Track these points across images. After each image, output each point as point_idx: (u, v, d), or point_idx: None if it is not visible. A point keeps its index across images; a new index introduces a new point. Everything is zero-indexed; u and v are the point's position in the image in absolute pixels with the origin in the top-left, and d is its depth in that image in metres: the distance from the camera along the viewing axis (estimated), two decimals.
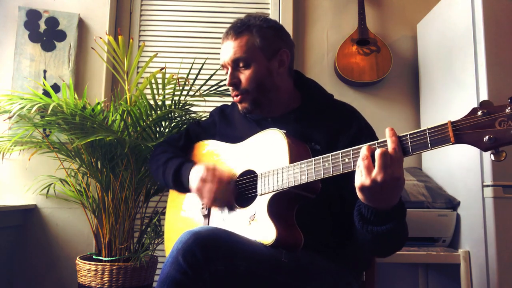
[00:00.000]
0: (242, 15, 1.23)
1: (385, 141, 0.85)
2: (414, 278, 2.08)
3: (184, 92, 1.81)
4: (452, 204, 1.78)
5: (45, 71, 2.07)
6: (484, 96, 1.61)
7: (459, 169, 1.77)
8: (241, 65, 1.17)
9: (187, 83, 1.79)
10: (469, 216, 1.70)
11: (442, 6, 2.00)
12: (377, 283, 1.27)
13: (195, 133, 1.42)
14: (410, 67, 2.30)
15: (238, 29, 1.16)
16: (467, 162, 1.69)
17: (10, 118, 1.58)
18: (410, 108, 2.27)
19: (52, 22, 2.10)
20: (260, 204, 1.05)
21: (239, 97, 1.20)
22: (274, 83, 1.19)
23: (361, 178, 0.85)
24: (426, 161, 2.14)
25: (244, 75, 1.17)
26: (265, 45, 1.16)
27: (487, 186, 1.58)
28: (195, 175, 1.16)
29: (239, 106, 1.23)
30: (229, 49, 1.17)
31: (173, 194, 1.40)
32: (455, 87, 1.83)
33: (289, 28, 2.25)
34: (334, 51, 2.26)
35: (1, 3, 2.13)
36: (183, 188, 1.25)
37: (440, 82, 1.99)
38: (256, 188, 1.09)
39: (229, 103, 1.43)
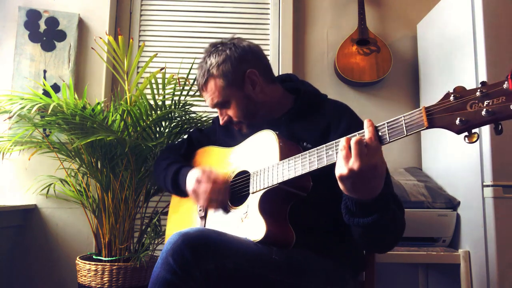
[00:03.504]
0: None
1: (363, 132, 0.88)
2: (414, 278, 2.08)
3: (184, 92, 1.81)
4: (452, 204, 1.77)
5: (45, 71, 2.07)
6: None
7: (459, 169, 1.77)
8: (222, 106, 1.24)
9: (187, 83, 1.79)
10: (469, 216, 1.70)
11: (442, 6, 2.00)
12: (377, 283, 1.27)
13: (197, 140, 1.46)
14: (410, 67, 2.30)
15: (202, 79, 1.23)
16: (467, 162, 1.69)
17: (10, 118, 1.58)
18: (410, 108, 2.26)
19: (52, 22, 2.10)
20: (252, 201, 1.08)
21: (236, 125, 1.27)
22: (257, 102, 1.22)
23: (339, 168, 0.87)
24: (426, 161, 2.14)
25: (230, 111, 1.23)
26: (230, 80, 1.19)
27: (487, 186, 1.57)
28: (191, 178, 1.20)
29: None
30: (207, 98, 1.25)
31: (175, 198, 1.43)
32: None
33: (289, 28, 2.25)
34: (334, 51, 2.26)
35: (1, 3, 2.13)
36: (182, 192, 1.29)
37: (440, 82, 1.99)
38: (249, 187, 1.12)
39: None
